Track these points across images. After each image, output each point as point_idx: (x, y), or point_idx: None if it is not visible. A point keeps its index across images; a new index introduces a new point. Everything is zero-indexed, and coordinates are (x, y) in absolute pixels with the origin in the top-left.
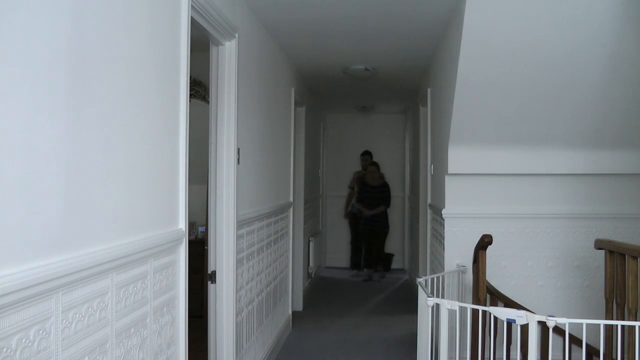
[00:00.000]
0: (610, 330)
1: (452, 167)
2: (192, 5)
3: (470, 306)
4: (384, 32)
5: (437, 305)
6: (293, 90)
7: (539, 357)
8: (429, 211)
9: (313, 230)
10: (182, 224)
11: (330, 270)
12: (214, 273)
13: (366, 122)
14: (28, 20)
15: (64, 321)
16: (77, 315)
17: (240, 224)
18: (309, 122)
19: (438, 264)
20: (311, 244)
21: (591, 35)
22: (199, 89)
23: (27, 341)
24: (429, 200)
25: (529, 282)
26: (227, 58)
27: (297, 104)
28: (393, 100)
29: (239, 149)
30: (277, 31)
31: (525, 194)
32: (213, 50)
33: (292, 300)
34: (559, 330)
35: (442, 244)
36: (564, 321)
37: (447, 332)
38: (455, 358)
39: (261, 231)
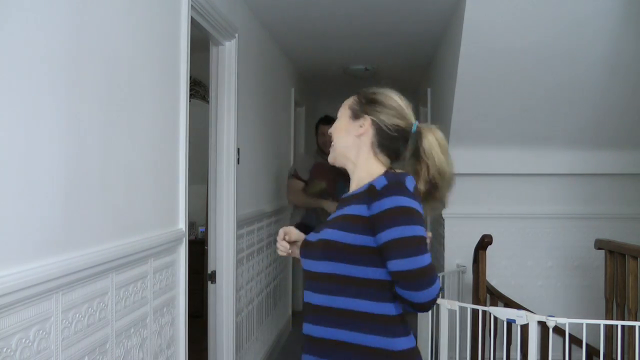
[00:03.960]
0: (610, 330)
1: None
2: (192, 5)
3: (470, 306)
4: (384, 31)
5: (437, 305)
6: (293, 90)
7: (539, 357)
8: None
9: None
10: (182, 224)
11: None
12: (214, 273)
13: None
14: (28, 20)
15: (64, 321)
16: (77, 315)
17: (240, 224)
18: (308, 121)
19: (438, 264)
20: None
21: (591, 35)
22: (199, 89)
23: (27, 341)
24: None
25: (529, 282)
26: (227, 58)
27: (297, 104)
28: None
29: (239, 149)
30: (277, 31)
31: (525, 194)
32: (213, 50)
33: (292, 300)
34: (559, 330)
35: (442, 244)
36: (564, 321)
37: (447, 332)
38: (455, 358)
39: (261, 231)
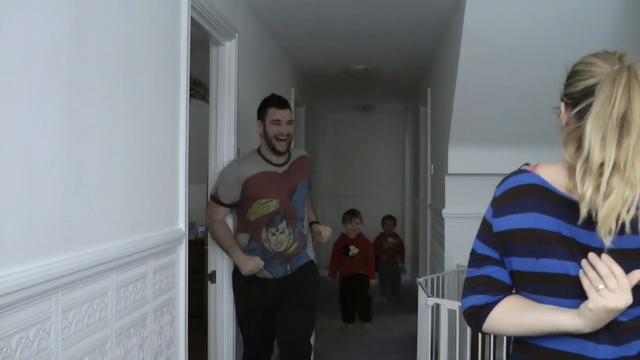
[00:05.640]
0: None
1: (452, 167)
2: (192, 5)
3: None
4: (384, 32)
5: (437, 305)
6: (293, 90)
7: None
8: (429, 211)
9: None
10: (182, 224)
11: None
12: (214, 273)
13: (366, 122)
14: (28, 21)
15: (64, 321)
16: (77, 315)
17: None
18: (308, 122)
19: (438, 264)
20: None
21: (591, 35)
22: (199, 89)
23: (27, 341)
24: (429, 200)
25: None
26: (227, 58)
27: (297, 104)
28: (393, 100)
29: (239, 149)
30: (277, 31)
31: None
32: (213, 50)
33: None
34: None
35: (442, 244)
36: None
37: (447, 332)
38: (455, 358)
39: None
